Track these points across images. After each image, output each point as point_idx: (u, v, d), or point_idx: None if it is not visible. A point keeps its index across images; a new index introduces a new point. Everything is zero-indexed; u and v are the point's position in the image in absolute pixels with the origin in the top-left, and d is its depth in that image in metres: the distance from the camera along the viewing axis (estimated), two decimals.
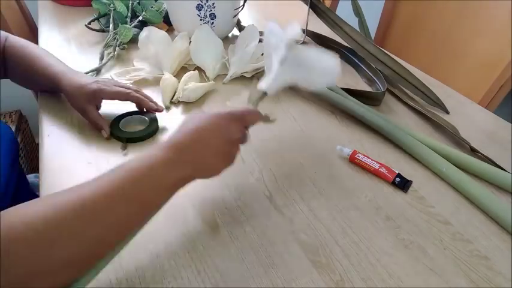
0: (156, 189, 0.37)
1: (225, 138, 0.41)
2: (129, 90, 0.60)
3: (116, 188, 0.34)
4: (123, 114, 0.62)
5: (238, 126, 0.43)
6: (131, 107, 0.62)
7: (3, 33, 0.64)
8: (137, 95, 0.60)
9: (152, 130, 0.58)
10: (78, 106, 0.58)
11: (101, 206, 0.32)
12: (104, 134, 0.57)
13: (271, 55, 0.48)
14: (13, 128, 1.23)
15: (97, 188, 0.33)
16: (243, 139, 0.45)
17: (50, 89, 0.62)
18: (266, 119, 0.48)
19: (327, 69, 0.47)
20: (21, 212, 0.31)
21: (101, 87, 0.57)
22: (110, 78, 0.64)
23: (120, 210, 0.34)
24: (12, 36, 0.65)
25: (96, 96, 0.58)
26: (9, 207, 0.46)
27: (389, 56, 0.74)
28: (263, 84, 0.48)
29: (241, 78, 0.74)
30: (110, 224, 0.33)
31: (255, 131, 0.61)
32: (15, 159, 0.73)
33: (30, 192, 0.82)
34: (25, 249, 0.28)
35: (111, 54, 0.78)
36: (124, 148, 0.56)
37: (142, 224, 0.37)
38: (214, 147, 0.40)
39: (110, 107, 0.62)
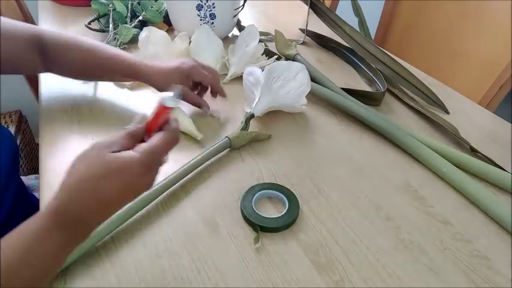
0: (45, 259, 0.33)
1: (124, 183, 0.34)
2: (211, 75, 0.62)
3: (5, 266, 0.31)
4: (257, 186, 0.50)
5: (146, 167, 0.35)
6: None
7: (37, 28, 0.62)
8: (215, 81, 0.62)
9: (293, 218, 0.46)
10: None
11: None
12: (207, 110, 0.61)
13: (250, 88, 0.62)
14: (13, 128, 1.23)
15: None
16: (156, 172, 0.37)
17: (120, 78, 0.64)
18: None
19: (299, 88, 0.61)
20: None
21: (195, 65, 0.60)
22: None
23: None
24: (49, 30, 0.63)
25: (192, 74, 0.60)
26: (6, 219, 0.46)
27: (389, 56, 0.74)
28: (248, 109, 0.60)
29: (241, 78, 0.74)
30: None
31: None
32: (14, 167, 0.67)
33: (30, 204, 0.78)
34: None
35: None
36: (257, 241, 0.44)
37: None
38: (111, 192, 0.33)
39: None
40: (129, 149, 0.35)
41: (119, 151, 0.34)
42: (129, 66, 0.60)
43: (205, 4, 0.79)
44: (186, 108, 0.62)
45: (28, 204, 0.71)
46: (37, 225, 0.33)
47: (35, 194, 0.78)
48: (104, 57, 0.60)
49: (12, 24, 0.59)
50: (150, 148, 0.35)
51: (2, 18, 0.57)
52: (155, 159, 0.36)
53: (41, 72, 0.63)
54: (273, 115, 0.65)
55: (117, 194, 0.34)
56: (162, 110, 0.38)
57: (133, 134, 0.36)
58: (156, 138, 0.36)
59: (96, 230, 0.39)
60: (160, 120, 0.38)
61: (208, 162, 0.54)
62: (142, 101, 0.68)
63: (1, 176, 0.58)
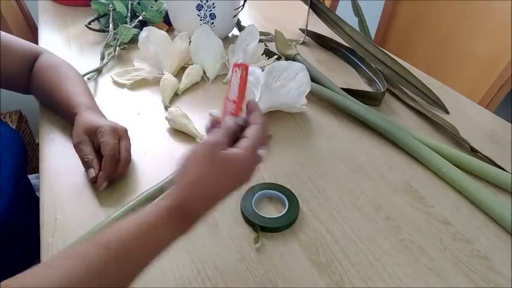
0: (157, 247, 0.35)
1: (236, 179, 0.37)
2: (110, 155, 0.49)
3: (122, 246, 0.32)
4: (257, 186, 0.50)
5: (251, 160, 0.38)
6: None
7: (38, 49, 0.62)
8: (106, 164, 0.49)
9: (294, 218, 0.46)
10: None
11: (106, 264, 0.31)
12: (92, 173, 0.48)
13: (251, 88, 0.59)
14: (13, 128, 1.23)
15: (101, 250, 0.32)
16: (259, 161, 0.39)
17: (68, 119, 0.56)
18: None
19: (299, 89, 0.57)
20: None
21: (109, 131, 0.50)
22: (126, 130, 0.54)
23: (121, 265, 0.32)
24: (48, 53, 0.63)
25: (94, 130, 0.50)
26: (13, 223, 0.45)
27: (389, 56, 0.74)
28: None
29: None
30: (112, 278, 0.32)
31: None
32: (23, 168, 0.66)
33: (35, 204, 0.76)
34: None
35: (111, 54, 0.78)
36: (257, 241, 0.44)
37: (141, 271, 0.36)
38: (224, 188, 0.36)
39: None
40: (230, 145, 0.37)
41: (225, 149, 0.37)
42: (69, 107, 0.56)
43: (205, 4, 0.79)
44: (186, 109, 0.62)
45: (33, 203, 0.72)
46: (154, 217, 0.34)
47: (36, 193, 0.78)
48: (61, 95, 0.57)
49: (15, 41, 0.59)
50: (252, 144, 0.37)
51: (5, 34, 0.57)
52: (256, 153, 0.38)
53: (26, 93, 0.63)
54: (273, 115, 0.65)
55: (230, 189, 0.37)
56: (246, 74, 0.39)
57: (232, 130, 0.39)
58: (252, 132, 0.38)
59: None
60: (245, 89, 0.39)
61: None
62: (142, 101, 0.68)
63: (11, 178, 0.59)
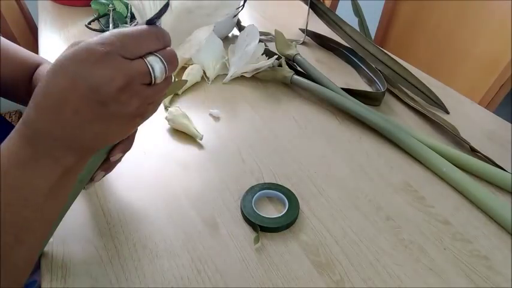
0: (28, 202, 0.28)
1: (106, 90, 0.27)
2: None
3: None
4: (257, 186, 0.50)
5: (123, 58, 0.28)
6: None
7: (39, 58, 0.60)
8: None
9: (293, 218, 0.46)
10: None
11: None
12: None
13: None
14: None
15: None
16: (143, 78, 0.29)
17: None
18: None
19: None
20: None
21: None
22: None
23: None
24: (49, 63, 0.59)
25: None
26: None
27: (389, 56, 0.74)
28: None
29: (241, 78, 0.74)
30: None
31: (255, 131, 0.61)
32: None
33: None
34: None
35: None
36: (257, 241, 0.43)
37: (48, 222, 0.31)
38: (91, 112, 0.28)
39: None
40: None
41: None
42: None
43: None
44: (186, 109, 0.62)
45: None
46: (19, 154, 0.28)
47: None
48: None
49: (14, 50, 0.58)
50: (121, 34, 0.28)
51: (5, 41, 0.57)
52: (130, 48, 0.28)
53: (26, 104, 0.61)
54: (273, 115, 0.65)
55: (107, 107, 0.28)
56: None
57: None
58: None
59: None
60: None
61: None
62: None
63: None
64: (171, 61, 0.31)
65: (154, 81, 0.30)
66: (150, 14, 0.34)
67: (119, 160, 0.47)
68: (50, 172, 0.29)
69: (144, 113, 0.32)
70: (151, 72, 0.29)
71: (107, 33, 0.29)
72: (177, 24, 0.36)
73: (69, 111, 0.28)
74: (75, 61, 0.27)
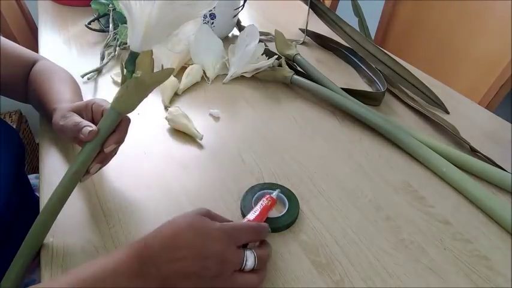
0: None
1: (205, 253, 0.34)
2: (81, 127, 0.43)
3: None
4: (257, 186, 0.50)
5: (230, 243, 0.35)
6: None
7: (37, 56, 0.61)
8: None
9: (293, 218, 0.46)
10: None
11: None
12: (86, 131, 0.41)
13: None
14: None
15: None
16: (238, 263, 0.35)
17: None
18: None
19: None
20: None
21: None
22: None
23: None
24: (46, 60, 0.61)
25: (82, 106, 0.47)
26: (10, 223, 0.44)
27: (389, 56, 0.74)
28: None
29: (241, 78, 0.74)
30: None
31: (255, 131, 0.61)
32: (21, 166, 0.62)
33: (34, 203, 0.75)
34: None
35: (111, 54, 0.78)
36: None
37: None
38: (189, 260, 0.33)
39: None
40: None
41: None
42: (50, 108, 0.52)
43: None
44: (186, 109, 0.62)
45: (32, 203, 0.71)
46: (117, 257, 0.34)
47: (36, 193, 0.78)
48: (46, 94, 0.54)
49: (12, 48, 0.58)
50: (232, 225, 0.37)
51: (3, 39, 0.57)
52: (235, 236, 0.36)
53: (25, 101, 0.61)
54: (273, 115, 0.65)
55: (200, 264, 0.34)
56: (271, 205, 0.45)
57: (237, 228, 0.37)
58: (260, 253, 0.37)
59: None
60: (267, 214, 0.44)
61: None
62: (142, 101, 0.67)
63: (9, 176, 0.58)
64: (261, 260, 0.37)
65: (242, 270, 0.36)
66: (137, 11, 0.37)
67: (115, 152, 0.47)
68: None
69: None
70: (244, 263, 0.36)
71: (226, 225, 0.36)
72: (161, 16, 0.37)
73: (179, 256, 0.33)
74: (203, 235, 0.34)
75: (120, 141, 0.44)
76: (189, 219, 0.35)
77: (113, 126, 0.43)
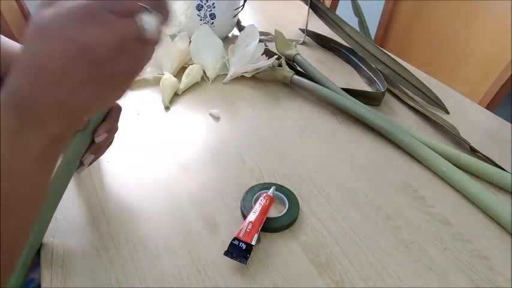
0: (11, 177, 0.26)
1: (100, 51, 0.25)
2: None
3: None
4: (257, 186, 0.50)
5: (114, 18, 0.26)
6: None
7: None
8: None
9: (293, 218, 0.46)
10: None
11: None
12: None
13: None
14: None
15: None
16: (135, 31, 0.27)
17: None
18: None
19: None
20: None
21: None
22: None
23: None
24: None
25: None
26: None
27: (389, 56, 0.74)
28: None
29: (241, 78, 0.74)
30: None
31: (255, 131, 0.61)
32: None
33: None
34: None
35: None
36: (258, 242, 0.43)
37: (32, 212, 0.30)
38: (82, 73, 0.26)
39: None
40: None
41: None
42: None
43: (205, 4, 0.79)
44: (186, 109, 0.62)
45: None
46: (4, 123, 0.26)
47: None
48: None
49: (12, 48, 0.57)
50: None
51: (3, 38, 0.56)
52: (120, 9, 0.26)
53: None
54: (273, 115, 0.65)
55: (99, 67, 0.26)
56: (269, 204, 0.45)
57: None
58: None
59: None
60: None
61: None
62: (142, 101, 0.68)
63: None
64: (161, 11, 0.28)
65: (146, 37, 0.27)
66: None
67: (109, 143, 0.45)
68: (37, 140, 0.27)
69: (137, 70, 0.30)
70: (143, 27, 0.27)
71: None
72: None
73: (58, 73, 0.25)
74: (61, 21, 0.25)
75: (111, 130, 0.43)
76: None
77: (102, 115, 0.42)
